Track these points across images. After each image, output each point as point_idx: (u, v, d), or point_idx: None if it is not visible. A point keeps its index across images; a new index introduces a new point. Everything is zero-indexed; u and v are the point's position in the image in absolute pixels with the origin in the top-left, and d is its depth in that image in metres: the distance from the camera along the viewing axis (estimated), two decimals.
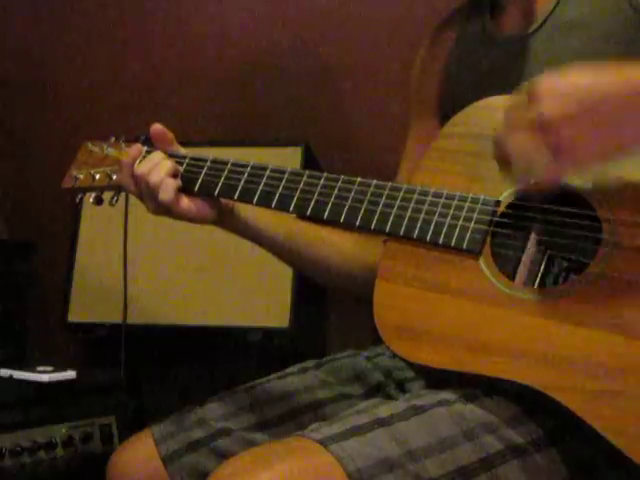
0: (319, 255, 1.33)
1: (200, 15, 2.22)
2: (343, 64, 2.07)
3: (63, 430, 1.74)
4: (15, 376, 1.76)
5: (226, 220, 1.27)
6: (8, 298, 2.16)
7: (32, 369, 1.77)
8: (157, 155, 1.23)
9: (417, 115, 1.39)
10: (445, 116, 1.22)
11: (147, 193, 1.22)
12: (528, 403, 1.03)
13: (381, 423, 1.00)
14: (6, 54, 2.39)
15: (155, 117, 2.15)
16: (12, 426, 1.67)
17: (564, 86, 0.93)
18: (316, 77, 2.10)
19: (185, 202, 1.22)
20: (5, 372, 1.77)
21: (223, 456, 1.16)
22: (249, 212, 1.28)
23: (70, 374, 1.78)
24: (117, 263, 1.90)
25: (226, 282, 1.92)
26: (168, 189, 1.20)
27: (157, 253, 1.97)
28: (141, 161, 1.23)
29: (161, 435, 1.24)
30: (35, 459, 1.68)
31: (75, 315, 2.01)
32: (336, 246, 1.34)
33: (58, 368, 1.79)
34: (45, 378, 1.73)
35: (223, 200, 1.25)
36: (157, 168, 1.21)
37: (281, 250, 1.32)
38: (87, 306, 2.01)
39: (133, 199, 1.86)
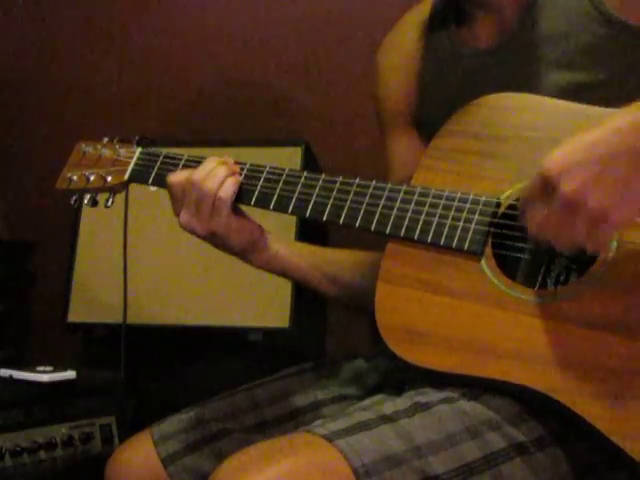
0: (351, 279, 1.32)
1: (201, 14, 2.22)
2: (343, 64, 2.07)
3: (63, 430, 1.74)
4: (15, 376, 1.76)
5: (258, 253, 1.24)
6: (8, 298, 2.16)
7: (32, 369, 1.77)
8: (212, 161, 1.20)
9: (391, 130, 1.36)
10: (425, 131, 1.21)
11: (191, 201, 1.17)
12: (531, 402, 1.03)
13: (386, 419, 1.00)
14: (5, 54, 2.39)
15: (155, 117, 2.17)
16: (12, 426, 1.66)
17: (572, 158, 0.91)
18: (316, 77, 2.10)
19: (231, 214, 1.19)
20: (5, 372, 1.77)
21: (223, 457, 1.14)
22: (280, 245, 1.27)
23: (70, 374, 1.78)
24: (117, 263, 1.90)
25: (226, 282, 1.92)
26: (229, 188, 1.17)
27: (157, 253, 1.97)
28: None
29: (160, 436, 1.24)
30: (35, 459, 1.68)
31: (75, 315, 2.01)
32: (368, 268, 1.31)
33: (58, 368, 1.79)
34: (45, 378, 1.73)
35: (259, 231, 1.24)
36: (214, 172, 1.18)
37: (313, 279, 1.31)
38: (87, 306, 2.01)
39: (133, 199, 1.88)
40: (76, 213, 2.05)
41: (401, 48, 1.33)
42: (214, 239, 1.20)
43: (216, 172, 1.18)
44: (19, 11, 2.38)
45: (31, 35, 2.37)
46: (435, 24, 1.29)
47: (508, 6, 1.20)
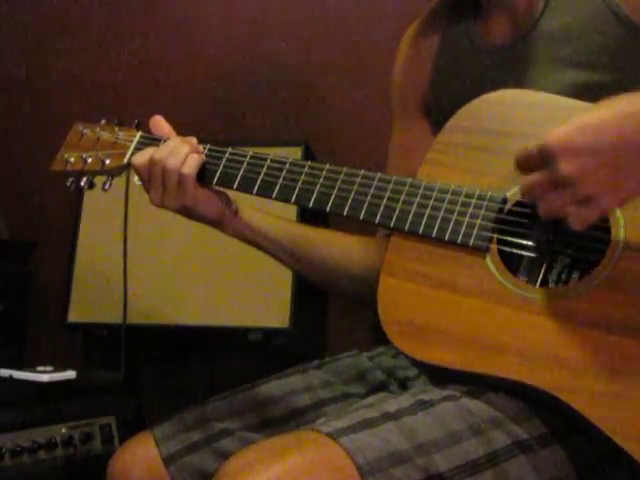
0: (321, 257, 1.32)
1: (201, 15, 2.22)
2: (343, 64, 2.07)
3: (63, 430, 1.73)
4: (15, 376, 1.75)
5: (229, 222, 1.27)
6: (8, 298, 2.16)
7: (32, 369, 1.77)
8: (175, 140, 1.23)
9: (401, 116, 1.37)
10: (436, 121, 1.21)
11: (157, 179, 1.21)
12: (534, 400, 1.03)
13: (389, 417, 1.00)
14: (6, 54, 2.39)
15: (153, 115, 2.16)
16: (12, 426, 1.66)
17: (574, 139, 0.92)
18: (316, 77, 2.10)
19: (197, 187, 1.22)
20: (5, 372, 1.76)
21: (224, 456, 1.15)
22: (252, 215, 1.29)
23: (70, 374, 1.78)
24: (117, 263, 1.91)
25: (226, 282, 1.92)
26: (192, 164, 1.20)
27: (157, 253, 1.97)
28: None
29: (162, 436, 1.24)
30: (35, 459, 1.68)
31: (75, 315, 2.01)
32: (339, 247, 1.34)
33: (58, 368, 1.79)
34: (45, 378, 1.73)
35: (226, 201, 1.25)
36: (176, 150, 1.21)
37: (283, 253, 1.32)
38: (87, 306, 2.01)
39: (133, 199, 1.87)
40: (76, 213, 2.06)
41: (421, 38, 1.34)
42: (185, 211, 1.24)
43: (178, 150, 1.21)
44: (20, 11, 2.38)
45: (32, 35, 2.37)
46: (453, 18, 1.30)
47: (522, 3, 1.21)
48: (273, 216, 1.32)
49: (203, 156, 1.22)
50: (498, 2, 1.22)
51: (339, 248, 1.34)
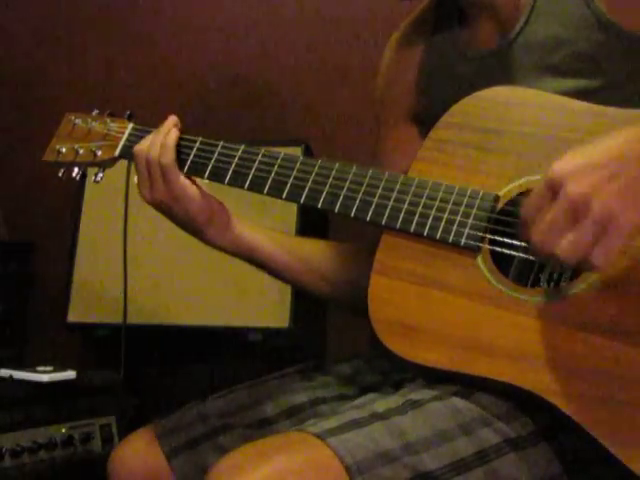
0: (319, 267, 1.31)
1: (201, 14, 2.22)
2: (343, 64, 2.07)
3: (63, 430, 1.74)
4: (15, 376, 1.76)
5: (219, 228, 1.24)
6: (8, 298, 2.16)
7: (32, 369, 1.78)
8: (157, 131, 1.22)
9: (388, 123, 1.35)
10: (424, 128, 1.20)
11: (142, 172, 1.19)
12: (522, 399, 1.03)
13: (378, 417, 1.00)
14: (5, 54, 2.39)
15: (154, 116, 2.17)
16: (12, 426, 1.67)
17: (580, 160, 0.88)
18: (316, 77, 2.10)
19: (183, 177, 1.19)
20: (5, 372, 1.77)
21: (224, 452, 1.14)
22: (247, 226, 1.26)
23: (70, 374, 1.78)
24: (117, 263, 1.91)
25: (226, 282, 1.92)
26: (167, 152, 1.18)
27: (157, 253, 1.98)
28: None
29: (163, 431, 1.24)
30: (35, 459, 1.69)
31: (75, 315, 2.02)
32: (336, 257, 1.32)
33: (58, 368, 1.79)
34: (45, 378, 1.74)
35: (219, 206, 1.23)
36: (154, 139, 1.20)
37: (277, 265, 1.29)
38: (87, 306, 2.01)
39: (133, 200, 1.87)
40: (76, 213, 2.06)
41: (406, 44, 1.33)
42: (173, 207, 1.20)
43: (155, 139, 1.20)
44: (21, 11, 2.38)
45: (30, 35, 2.38)
46: (438, 23, 1.28)
47: (505, 9, 1.19)
48: (262, 227, 1.29)
49: (176, 137, 1.20)
50: (481, 8, 1.21)
51: (338, 255, 1.32)
